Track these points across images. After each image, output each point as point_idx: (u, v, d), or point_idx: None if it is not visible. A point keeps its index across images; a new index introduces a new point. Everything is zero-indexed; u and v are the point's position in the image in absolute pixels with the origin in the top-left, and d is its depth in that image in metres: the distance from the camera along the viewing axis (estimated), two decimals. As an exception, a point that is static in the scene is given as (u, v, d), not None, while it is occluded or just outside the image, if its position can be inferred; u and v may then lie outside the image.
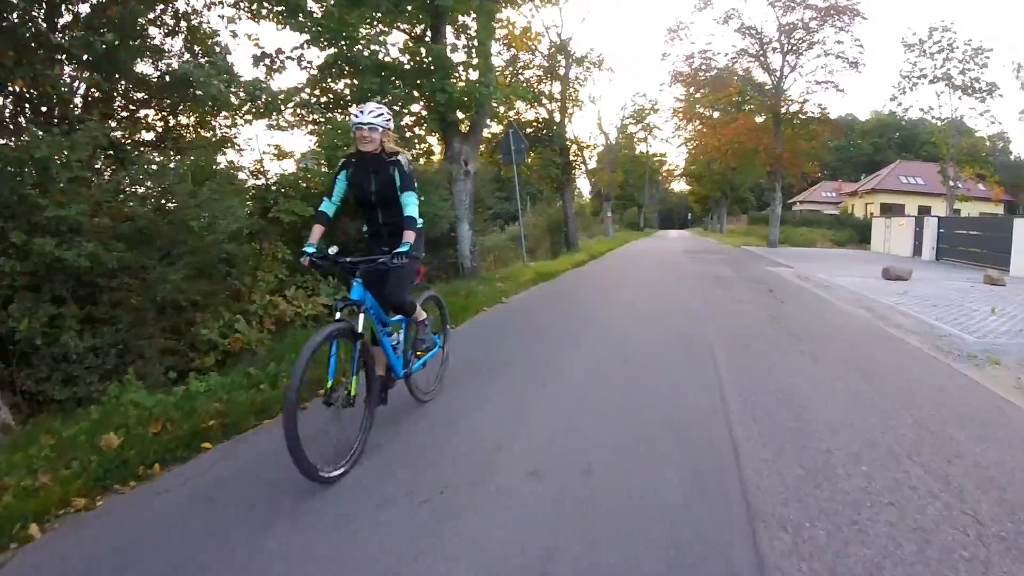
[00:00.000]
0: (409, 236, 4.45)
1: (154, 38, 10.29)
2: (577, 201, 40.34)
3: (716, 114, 37.95)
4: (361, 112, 4.64)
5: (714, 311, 10.29)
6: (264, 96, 10.30)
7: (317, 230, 4.74)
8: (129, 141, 9.76)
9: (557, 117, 29.67)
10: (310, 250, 4.54)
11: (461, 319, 9.69)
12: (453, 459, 4.30)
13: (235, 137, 10.41)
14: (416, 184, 4.73)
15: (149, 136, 10.55)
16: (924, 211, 43.38)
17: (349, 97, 13.87)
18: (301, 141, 38.36)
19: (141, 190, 7.98)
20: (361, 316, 4.19)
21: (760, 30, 33.39)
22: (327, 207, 4.80)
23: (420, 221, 4.63)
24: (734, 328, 8.78)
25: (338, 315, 4.18)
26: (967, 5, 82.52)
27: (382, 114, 4.66)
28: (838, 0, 31.08)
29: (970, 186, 37.47)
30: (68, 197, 6.69)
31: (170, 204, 7.92)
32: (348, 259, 4.37)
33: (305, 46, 13.10)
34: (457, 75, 14.55)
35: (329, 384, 3.94)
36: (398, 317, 4.90)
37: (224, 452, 4.53)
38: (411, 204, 4.59)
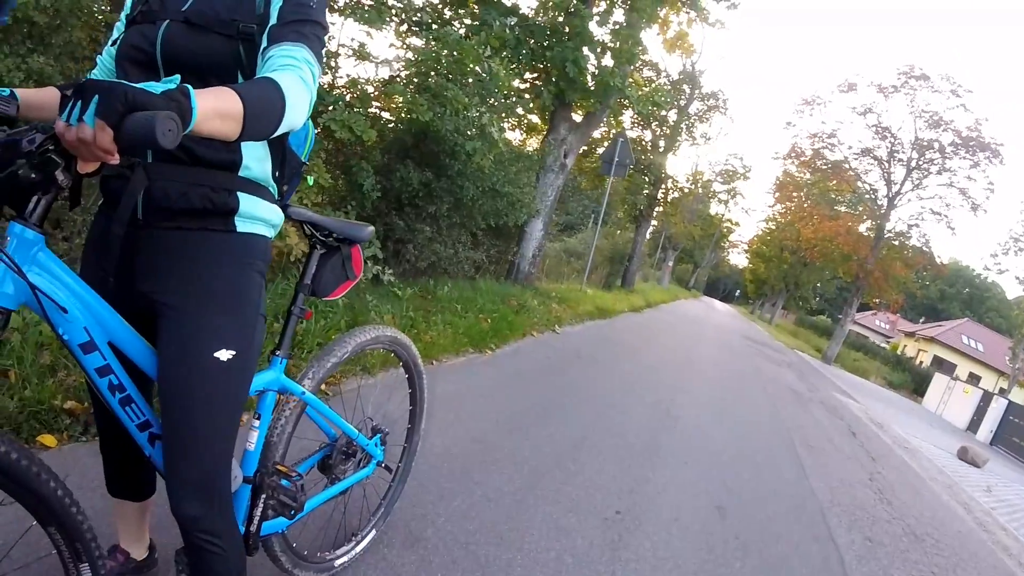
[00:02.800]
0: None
1: None
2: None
3: (808, 203, 35.67)
4: None
5: (810, 455, 8.00)
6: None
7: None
8: None
9: (661, 146, 27.62)
10: None
11: (504, 340, 7.46)
12: None
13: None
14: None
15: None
16: (974, 379, 41.20)
17: (463, 31, 11.39)
18: (383, 42, 35.51)
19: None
20: None
21: (895, 135, 30.91)
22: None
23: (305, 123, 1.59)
24: (844, 498, 6.54)
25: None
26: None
27: None
28: (982, 134, 28.58)
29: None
30: None
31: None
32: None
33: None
34: (594, 52, 12.21)
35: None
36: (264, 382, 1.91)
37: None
38: (293, 66, 1.38)
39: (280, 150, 1.64)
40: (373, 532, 2.64)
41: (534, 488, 3.85)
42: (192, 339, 1.48)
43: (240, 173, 1.52)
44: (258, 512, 1.91)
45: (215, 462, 1.59)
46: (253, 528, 1.90)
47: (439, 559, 2.76)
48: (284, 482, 1.95)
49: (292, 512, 1.98)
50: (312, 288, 1.96)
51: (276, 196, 1.67)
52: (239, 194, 1.52)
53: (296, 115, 1.34)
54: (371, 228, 2.13)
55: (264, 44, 1.44)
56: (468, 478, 3.68)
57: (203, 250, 1.51)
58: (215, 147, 1.44)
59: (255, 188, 1.56)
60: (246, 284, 1.57)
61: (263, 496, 1.91)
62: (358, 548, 2.54)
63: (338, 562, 2.43)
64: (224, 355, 1.50)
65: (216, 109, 1.14)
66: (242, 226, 1.54)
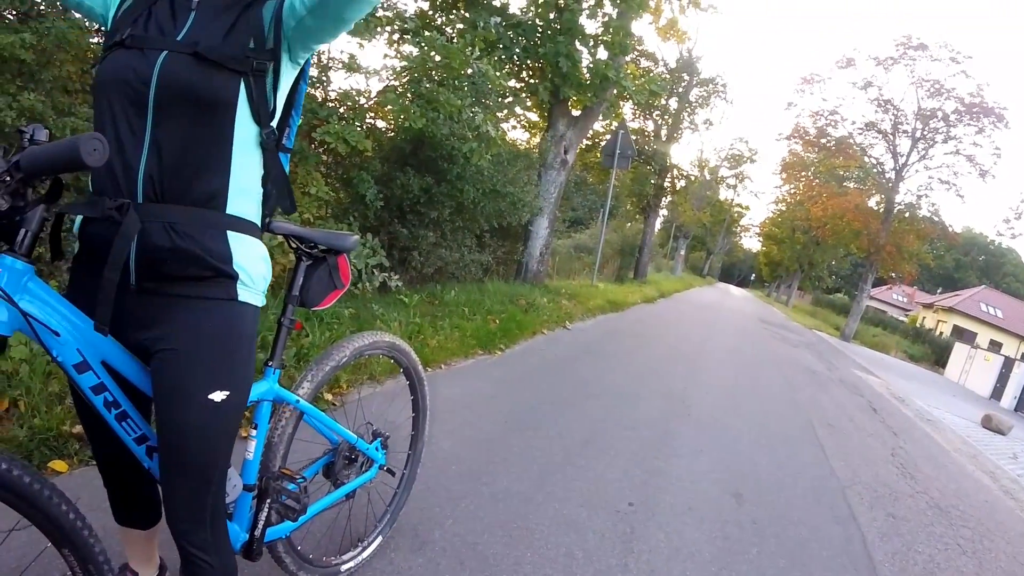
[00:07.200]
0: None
1: None
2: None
3: (816, 181, 35.35)
4: None
5: (830, 434, 7.94)
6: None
7: None
8: None
9: (663, 135, 27.59)
10: None
11: (513, 340, 7.48)
12: None
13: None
14: None
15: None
16: (995, 347, 40.83)
17: (454, 36, 11.40)
18: (375, 52, 36.08)
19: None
20: None
21: (898, 107, 30.61)
22: None
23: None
24: (866, 476, 6.45)
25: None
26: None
27: None
28: (985, 100, 28.24)
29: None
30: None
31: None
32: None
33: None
34: (586, 46, 12.20)
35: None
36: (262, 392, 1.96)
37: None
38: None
39: (277, 172, 1.62)
40: (379, 539, 2.67)
41: (543, 486, 3.86)
42: (186, 382, 1.49)
43: (228, 210, 1.50)
44: (263, 517, 1.95)
45: (208, 486, 1.61)
46: (257, 533, 1.95)
47: (447, 561, 2.78)
48: (291, 486, 1.99)
49: (296, 515, 2.02)
50: (301, 299, 1.98)
51: (260, 230, 1.65)
52: (228, 234, 1.50)
53: None
54: (356, 237, 2.14)
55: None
56: (476, 479, 3.69)
57: (200, 313, 1.50)
58: (198, 179, 1.44)
59: (243, 226, 1.54)
60: (241, 324, 1.57)
61: (268, 501, 1.96)
62: (364, 554, 2.57)
63: (344, 567, 2.46)
64: (218, 396, 1.51)
65: None
66: (243, 294, 1.55)
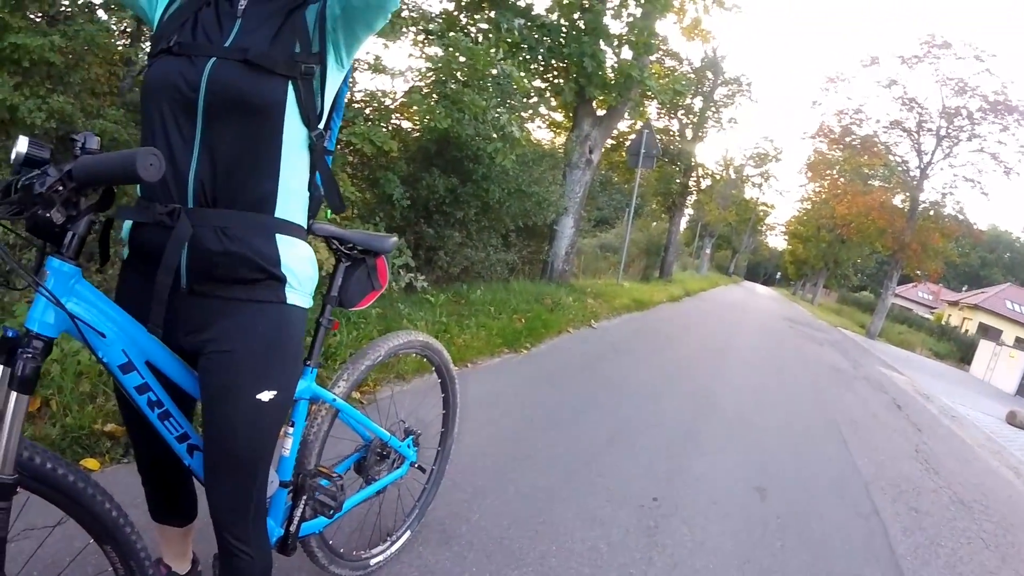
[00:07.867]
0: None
1: None
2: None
3: (841, 180, 35.01)
4: None
5: (854, 432, 7.89)
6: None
7: None
8: None
9: (689, 135, 27.50)
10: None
11: (539, 339, 7.50)
12: None
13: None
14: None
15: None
16: (1021, 344, 40.24)
17: (479, 36, 11.39)
18: (400, 53, 36.62)
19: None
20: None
21: (922, 106, 30.24)
22: None
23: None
24: (890, 472, 6.40)
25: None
26: None
27: None
28: (1010, 97, 27.82)
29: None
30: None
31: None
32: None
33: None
34: (611, 46, 12.17)
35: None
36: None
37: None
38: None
39: (325, 173, 1.63)
40: (408, 533, 2.70)
41: (569, 482, 3.88)
42: (236, 383, 1.51)
43: (276, 213, 1.51)
44: (298, 513, 1.98)
45: (253, 481, 1.64)
46: (292, 529, 1.98)
47: (473, 555, 2.81)
48: (324, 482, 2.02)
49: (331, 512, 2.05)
50: (339, 299, 2.01)
51: (307, 232, 1.66)
52: (277, 237, 1.52)
53: None
54: (394, 239, 2.17)
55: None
56: (502, 475, 3.72)
57: (251, 316, 1.52)
58: (248, 183, 1.46)
59: (291, 229, 1.56)
60: (289, 326, 1.59)
61: (304, 497, 1.98)
62: (393, 548, 2.61)
63: (373, 561, 2.50)
64: (267, 396, 1.53)
65: None
66: (292, 297, 1.57)
